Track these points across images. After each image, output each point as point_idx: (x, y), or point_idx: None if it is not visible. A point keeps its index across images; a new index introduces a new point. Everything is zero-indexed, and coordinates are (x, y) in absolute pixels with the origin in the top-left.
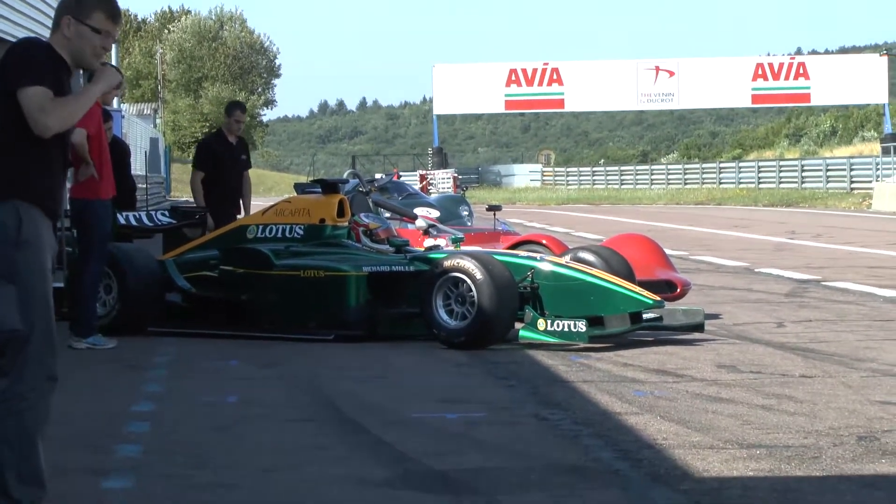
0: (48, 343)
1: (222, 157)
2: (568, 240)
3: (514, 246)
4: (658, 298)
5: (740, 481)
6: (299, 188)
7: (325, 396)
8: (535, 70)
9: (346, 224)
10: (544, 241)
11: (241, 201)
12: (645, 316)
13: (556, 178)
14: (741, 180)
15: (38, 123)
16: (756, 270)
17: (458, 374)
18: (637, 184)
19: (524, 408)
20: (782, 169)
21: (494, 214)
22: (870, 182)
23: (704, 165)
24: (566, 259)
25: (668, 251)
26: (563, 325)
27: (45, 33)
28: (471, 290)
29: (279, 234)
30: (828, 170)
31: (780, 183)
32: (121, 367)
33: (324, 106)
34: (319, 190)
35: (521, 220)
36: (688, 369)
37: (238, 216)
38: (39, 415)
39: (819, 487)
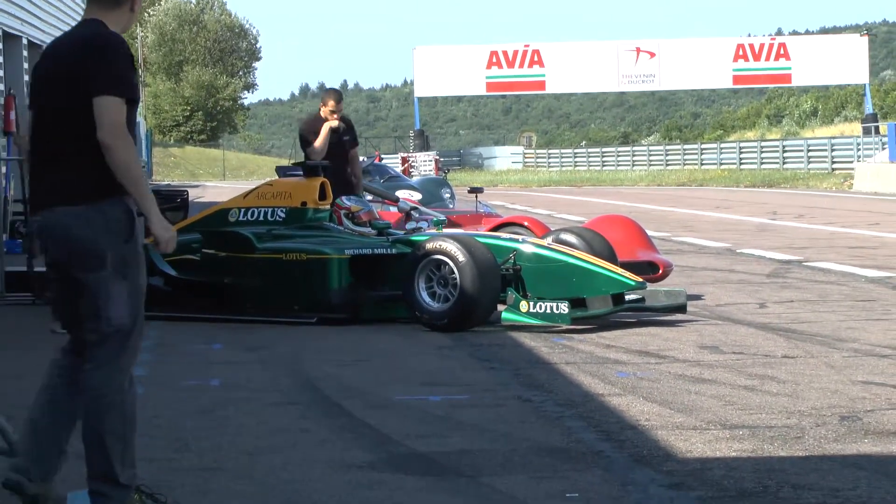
0: (141, 333)
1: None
2: (550, 222)
3: (497, 228)
4: (640, 280)
5: (723, 462)
6: (281, 171)
7: (308, 379)
8: (515, 52)
9: (328, 207)
10: (526, 223)
11: (352, 180)
12: (627, 297)
13: (538, 160)
14: (722, 161)
15: (105, 136)
16: (738, 251)
17: (440, 357)
18: (619, 165)
19: (507, 390)
20: (763, 150)
21: (476, 197)
22: (851, 162)
23: (686, 147)
24: (548, 241)
25: (650, 232)
26: (546, 307)
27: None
28: (453, 273)
29: (261, 218)
30: (809, 150)
31: (762, 164)
32: None
33: (305, 89)
34: (301, 173)
35: (503, 202)
36: (670, 350)
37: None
38: (135, 400)
39: (802, 467)
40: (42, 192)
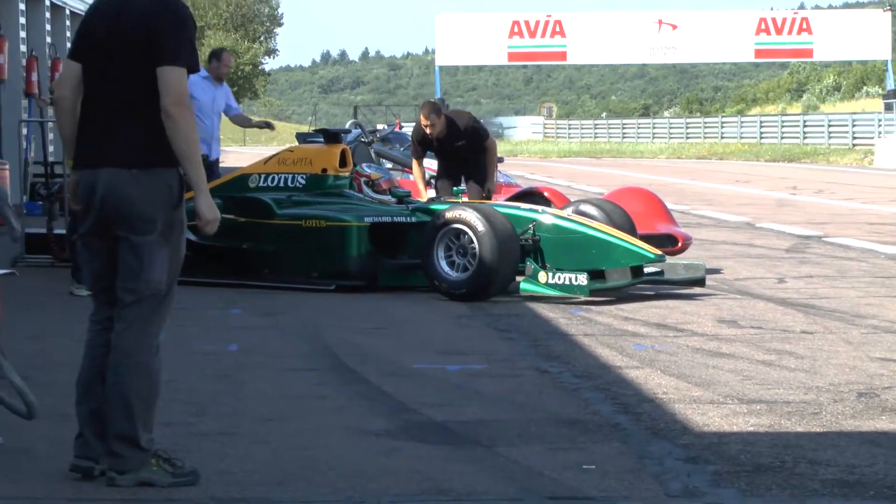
0: (173, 299)
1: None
2: (569, 193)
3: (516, 197)
4: (659, 252)
5: (740, 436)
6: (301, 138)
7: (326, 346)
8: (537, 22)
9: (348, 174)
10: (546, 193)
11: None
12: (646, 270)
13: (558, 130)
14: (743, 135)
15: (170, 105)
16: (757, 226)
17: (458, 326)
18: (639, 137)
19: (524, 360)
20: (784, 124)
21: (496, 166)
22: (872, 138)
23: (706, 120)
24: (568, 212)
25: (669, 205)
26: (565, 278)
27: None
28: (472, 242)
29: (281, 184)
30: (830, 125)
31: (783, 138)
32: None
33: (326, 56)
34: (321, 140)
35: (522, 172)
36: (688, 324)
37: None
38: (162, 366)
39: (819, 443)
40: (97, 152)
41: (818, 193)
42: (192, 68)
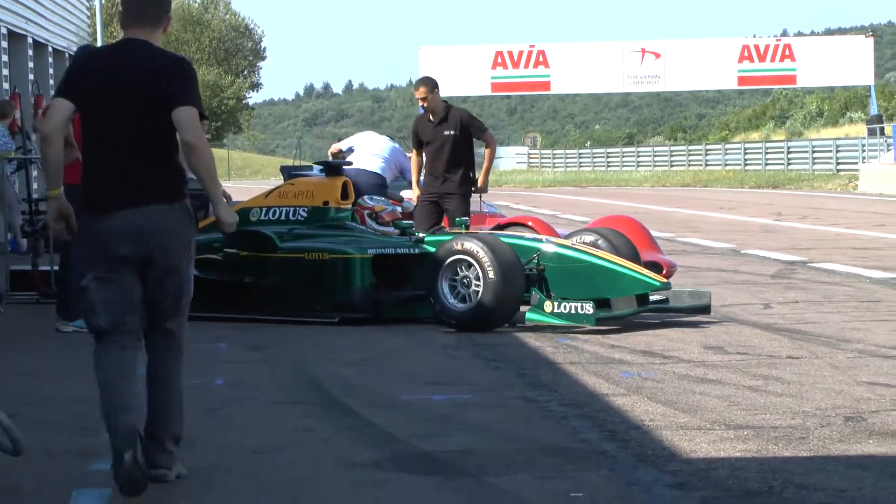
0: None
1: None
2: (555, 222)
3: (500, 228)
4: (665, 280)
5: (728, 462)
6: (285, 171)
7: (313, 379)
8: (521, 52)
9: (350, 207)
10: (530, 223)
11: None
12: (651, 298)
13: (543, 160)
14: (727, 162)
15: (193, 139)
16: (742, 252)
17: (445, 357)
18: (623, 166)
19: (512, 389)
20: (768, 151)
21: (480, 197)
22: (856, 163)
23: (691, 147)
24: (572, 241)
25: (655, 233)
26: (570, 308)
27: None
28: (477, 273)
29: (282, 217)
30: (814, 151)
31: (767, 165)
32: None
33: (310, 89)
34: (306, 172)
35: (507, 202)
36: (675, 350)
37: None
38: None
39: (807, 468)
40: (123, 193)
41: (803, 219)
42: (202, 112)
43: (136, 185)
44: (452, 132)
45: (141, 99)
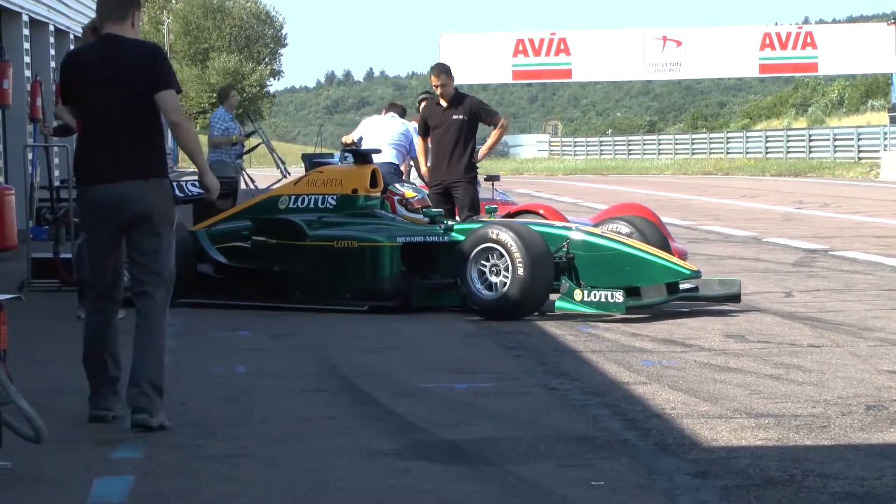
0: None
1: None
2: (576, 210)
3: (511, 215)
4: (695, 268)
5: (749, 451)
6: (307, 159)
7: (334, 367)
8: (542, 40)
9: (379, 194)
10: (541, 211)
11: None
12: (681, 286)
13: (564, 148)
14: (749, 150)
15: (177, 118)
16: (764, 240)
17: (466, 345)
18: (644, 154)
19: (533, 378)
20: (790, 139)
21: (493, 184)
22: (877, 151)
23: (712, 135)
24: (602, 229)
25: (676, 221)
26: (600, 296)
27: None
28: (507, 261)
29: (311, 205)
30: (835, 139)
31: (788, 153)
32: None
33: (331, 76)
34: (326, 161)
35: (528, 190)
36: (696, 339)
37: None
38: None
39: (828, 456)
40: (115, 168)
41: (824, 207)
42: (178, 89)
43: (119, 163)
44: (461, 117)
45: (124, 90)
